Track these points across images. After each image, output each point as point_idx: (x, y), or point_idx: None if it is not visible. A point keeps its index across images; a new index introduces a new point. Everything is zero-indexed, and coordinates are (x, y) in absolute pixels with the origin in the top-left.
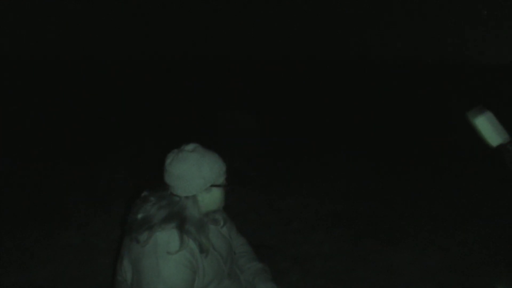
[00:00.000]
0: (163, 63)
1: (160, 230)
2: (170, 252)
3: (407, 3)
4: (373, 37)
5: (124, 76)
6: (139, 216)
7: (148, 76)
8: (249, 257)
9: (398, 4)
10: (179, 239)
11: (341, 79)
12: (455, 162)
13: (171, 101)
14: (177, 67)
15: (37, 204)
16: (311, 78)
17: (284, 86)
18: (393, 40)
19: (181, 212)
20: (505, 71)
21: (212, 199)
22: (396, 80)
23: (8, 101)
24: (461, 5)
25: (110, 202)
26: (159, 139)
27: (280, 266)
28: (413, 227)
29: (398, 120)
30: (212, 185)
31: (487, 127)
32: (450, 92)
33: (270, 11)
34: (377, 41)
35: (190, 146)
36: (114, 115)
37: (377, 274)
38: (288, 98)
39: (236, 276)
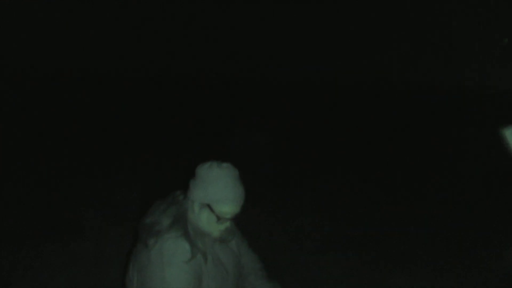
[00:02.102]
0: (162, 79)
1: (168, 237)
2: (177, 261)
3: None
4: (388, 61)
5: (133, 91)
6: (148, 220)
7: (153, 92)
8: (259, 274)
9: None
10: (190, 249)
11: (347, 102)
12: (468, 188)
13: (178, 117)
14: (178, 85)
15: (54, 215)
16: (314, 100)
17: (288, 106)
18: (415, 64)
19: (184, 213)
20: None
21: (201, 217)
22: (417, 106)
23: (15, 112)
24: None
25: (124, 214)
26: (170, 154)
27: (290, 287)
28: (427, 254)
29: (412, 146)
30: (208, 205)
31: None
32: (469, 120)
33: (275, 31)
34: (393, 65)
35: (226, 164)
36: (127, 129)
37: None
38: (296, 119)
39: None
